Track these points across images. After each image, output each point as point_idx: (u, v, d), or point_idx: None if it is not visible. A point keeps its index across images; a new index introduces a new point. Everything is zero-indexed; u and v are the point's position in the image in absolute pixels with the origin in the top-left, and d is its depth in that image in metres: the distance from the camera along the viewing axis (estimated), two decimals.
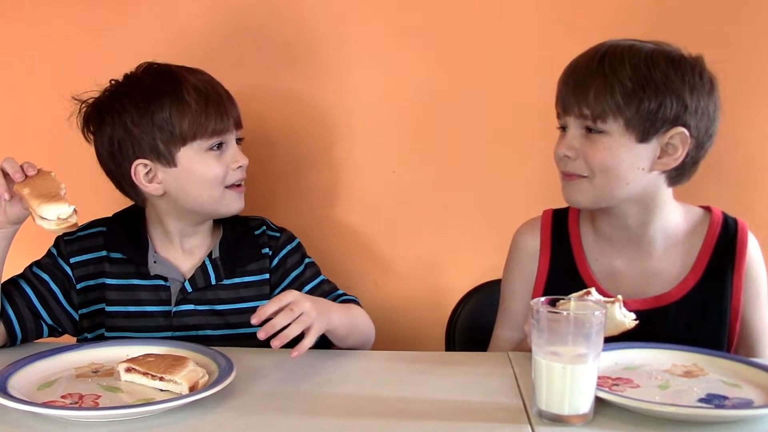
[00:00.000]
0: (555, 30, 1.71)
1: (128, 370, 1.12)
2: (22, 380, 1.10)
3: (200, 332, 1.38)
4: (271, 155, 1.79)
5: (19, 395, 1.03)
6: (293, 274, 1.43)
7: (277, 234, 1.46)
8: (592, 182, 1.25)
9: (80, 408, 1.03)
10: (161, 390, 1.09)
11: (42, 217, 1.13)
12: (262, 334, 1.11)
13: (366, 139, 1.80)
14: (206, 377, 1.11)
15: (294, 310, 1.13)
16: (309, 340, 1.15)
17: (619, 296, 1.16)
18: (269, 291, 1.42)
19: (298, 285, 1.42)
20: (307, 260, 1.46)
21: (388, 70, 1.77)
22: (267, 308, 1.13)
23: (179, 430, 0.99)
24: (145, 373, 1.11)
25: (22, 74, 1.84)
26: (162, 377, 1.09)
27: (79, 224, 1.39)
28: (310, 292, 1.40)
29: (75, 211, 1.14)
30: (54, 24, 1.81)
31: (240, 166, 1.36)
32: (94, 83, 1.36)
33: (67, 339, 1.40)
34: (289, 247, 1.45)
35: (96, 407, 1.04)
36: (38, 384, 1.11)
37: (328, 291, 1.42)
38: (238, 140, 1.39)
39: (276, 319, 1.12)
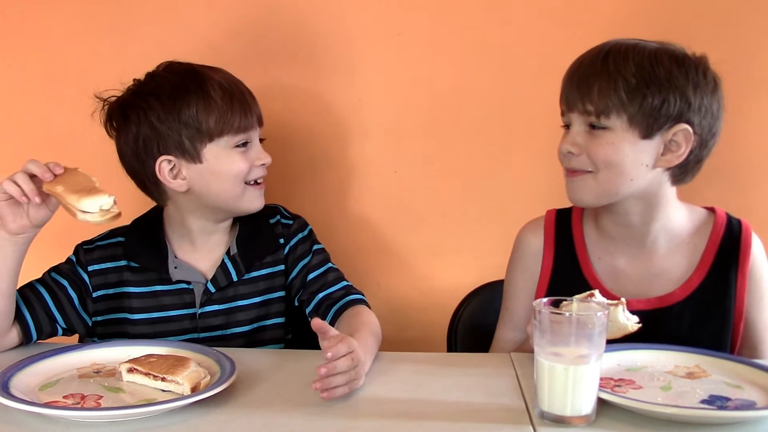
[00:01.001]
0: (560, 31, 1.71)
1: (130, 370, 1.13)
2: (25, 380, 1.10)
3: (226, 331, 1.39)
4: (275, 156, 1.79)
5: (21, 395, 1.04)
6: (302, 263, 1.44)
7: (290, 222, 1.47)
8: (596, 178, 1.25)
9: (82, 408, 1.03)
10: (163, 390, 1.09)
11: (84, 211, 1.12)
12: (324, 394, 1.06)
13: (370, 139, 1.80)
14: (208, 378, 1.11)
15: (353, 360, 1.08)
16: (343, 391, 1.08)
17: (623, 299, 1.16)
18: (284, 281, 1.43)
19: (305, 272, 1.43)
20: (315, 247, 1.46)
21: (393, 69, 1.77)
22: (340, 349, 1.06)
23: (180, 431, 0.99)
24: (147, 374, 1.11)
25: (21, 78, 1.84)
26: (164, 378, 1.09)
27: (99, 232, 1.40)
28: (315, 280, 1.42)
29: (115, 201, 1.14)
30: (54, 28, 1.81)
31: (263, 164, 1.38)
32: (101, 86, 1.36)
33: (73, 340, 1.41)
34: (300, 236, 1.46)
35: (98, 408, 1.04)
36: (40, 384, 1.11)
37: (332, 280, 1.42)
38: (261, 139, 1.40)
39: (340, 362, 1.06)
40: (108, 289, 1.38)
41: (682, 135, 1.22)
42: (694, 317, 1.31)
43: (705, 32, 1.63)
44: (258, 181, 1.38)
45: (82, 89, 1.37)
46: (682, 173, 1.28)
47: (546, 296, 1.33)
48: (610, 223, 1.34)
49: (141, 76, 1.37)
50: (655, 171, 1.25)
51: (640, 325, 1.16)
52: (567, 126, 1.29)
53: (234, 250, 1.41)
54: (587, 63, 1.25)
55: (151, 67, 1.37)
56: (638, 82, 1.20)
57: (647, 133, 1.22)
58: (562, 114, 1.30)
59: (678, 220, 1.33)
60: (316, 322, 1.10)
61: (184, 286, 1.38)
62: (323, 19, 1.76)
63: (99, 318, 1.38)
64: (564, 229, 1.40)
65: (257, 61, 1.77)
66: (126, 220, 1.43)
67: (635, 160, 1.23)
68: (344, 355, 1.07)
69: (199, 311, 1.38)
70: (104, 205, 1.13)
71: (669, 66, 1.21)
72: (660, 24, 1.65)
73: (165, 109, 1.30)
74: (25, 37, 1.82)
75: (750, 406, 1.05)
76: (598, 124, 1.23)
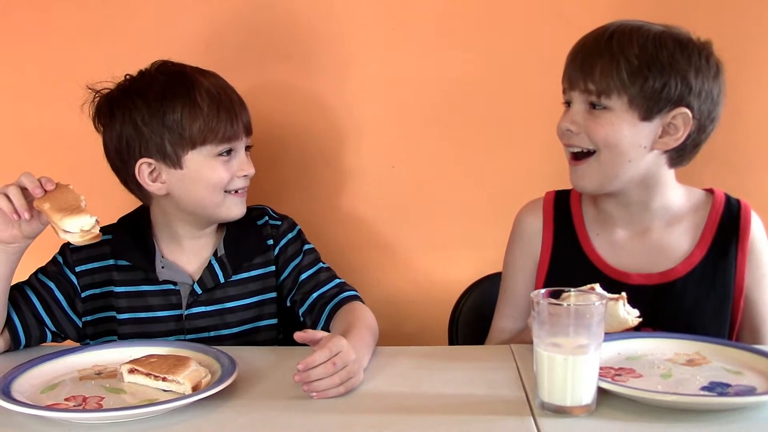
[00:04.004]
0: (556, 22, 1.70)
1: (131, 371, 1.13)
2: (26, 384, 1.10)
3: (212, 333, 1.38)
4: (273, 154, 1.79)
5: (22, 399, 1.04)
6: (293, 263, 1.43)
7: (279, 222, 1.46)
8: (598, 159, 1.26)
9: (84, 410, 1.04)
10: (164, 390, 1.09)
11: (65, 231, 1.13)
12: (305, 388, 1.07)
13: (367, 135, 1.80)
14: (209, 377, 1.11)
15: (337, 364, 1.07)
16: (337, 391, 1.08)
17: (623, 293, 1.16)
18: (275, 282, 1.43)
19: (296, 273, 1.42)
20: (306, 247, 1.45)
21: (388, 65, 1.77)
22: (316, 358, 1.06)
23: (182, 430, 0.99)
24: (148, 374, 1.11)
25: (21, 74, 1.84)
26: (165, 378, 1.09)
27: None
28: (307, 280, 1.41)
29: (97, 221, 1.15)
30: (51, 26, 1.81)
31: (245, 175, 1.36)
32: (90, 85, 1.36)
33: (71, 343, 1.40)
34: (289, 236, 1.45)
35: (99, 409, 1.04)
36: (42, 387, 1.11)
37: (324, 279, 1.42)
38: (248, 147, 1.39)
39: (316, 371, 1.06)
40: (95, 289, 1.38)
41: (681, 118, 1.23)
42: (696, 292, 1.32)
43: (706, 19, 1.63)
44: (239, 191, 1.36)
45: (76, 88, 1.36)
46: (679, 156, 1.28)
47: (547, 275, 1.36)
48: (609, 202, 1.35)
49: (135, 73, 1.36)
50: (653, 153, 1.26)
51: (640, 319, 1.16)
52: (568, 104, 1.30)
53: (221, 252, 1.40)
54: (591, 42, 1.26)
55: (145, 65, 1.36)
56: (640, 64, 1.21)
57: (647, 115, 1.23)
58: (564, 92, 1.31)
59: (676, 201, 1.34)
60: (298, 336, 1.12)
61: (170, 286, 1.38)
62: (317, 16, 1.76)
63: (89, 318, 1.38)
64: (562, 208, 1.41)
65: (251, 59, 1.77)
66: (114, 218, 1.43)
67: (633, 141, 1.24)
68: (324, 362, 1.06)
69: (186, 312, 1.38)
70: (85, 226, 1.14)
71: (672, 49, 1.22)
72: (660, 11, 1.64)
73: (150, 111, 1.29)
74: (20, 35, 1.82)
75: (750, 392, 1.06)
76: (599, 103, 1.24)
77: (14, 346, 1.30)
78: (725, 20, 1.67)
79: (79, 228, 1.13)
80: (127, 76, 1.35)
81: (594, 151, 1.26)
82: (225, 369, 1.12)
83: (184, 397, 1.04)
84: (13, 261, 1.24)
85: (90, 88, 1.36)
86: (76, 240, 1.14)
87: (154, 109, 1.29)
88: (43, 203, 1.16)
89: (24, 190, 1.18)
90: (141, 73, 1.35)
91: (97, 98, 1.36)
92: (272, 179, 1.79)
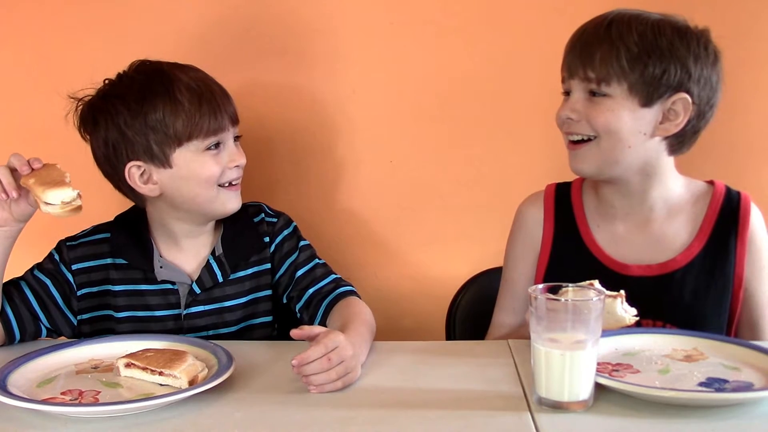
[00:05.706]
0: (553, 16, 1.70)
1: (128, 365, 1.12)
2: (22, 377, 1.10)
3: (211, 332, 1.38)
4: (269, 149, 1.79)
5: (19, 392, 1.04)
6: (289, 260, 1.43)
7: (274, 219, 1.45)
8: (598, 145, 1.26)
9: (80, 404, 1.04)
10: (161, 385, 1.09)
11: (46, 203, 1.14)
12: (303, 380, 1.08)
13: (364, 130, 1.80)
14: (206, 371, 1.11)
15: (332, 360, 1.07)
16: (333, 386, 1.08)
17: (622, 291, 1.16)
18: (271, 279, 1.42)
19: (292, 270, 1.42)
20: (301, 243, 1.45)
21: (384, 60, 1.77)
22: (310, 354, 1.07)
23: (179, 425, 0.99)
24: (144, 368, 1.11)
25: (17, 73, 1.83)
26: (161, 372, 1.09)
27: (84, 228, 1.39)
28: (303, 276, 1.41)
29: (79, 195, 1.15)
30: (47, 22, 1.80)
31: (237, 165, 1.35)
32: (90, 81, 1.35)
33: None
34: (285, 233, 1.45)
35: (96, 403, 1.04)
36: (38, 381, 1.11)
37: (320, 275, 1.41)
38: (237, 137, 1.38)
39: (311, 366, 1.07)
40: (92, 287, 1.37)
41: (681, 104, 1.24)
42: (696, 283, 1.32)
43: (704, 9, 1.62)
44: (233, 183, 1.35)
45: (72, 84, 1.35)
46: (679, 143, 1.29)
47: (547, 268, 1.37)
48: (610, 193, 1.36)
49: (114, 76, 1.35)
50: (653, 140, 1.27)
51: (637, 318, 1.16)
52: (567, 93, 1.30)
53: (219, 251, 1.40)
54: (590, 31, 1.27)
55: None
56: (640, 51, 1.22)
57: (647, 102, 1.24)
58: (563, 81, 1.31)
59: (676, 190, 1.35)
60: (295, 333, 1.12)
61: (169, 286, 1.37)
62: (313, 11, 1.75)
63: (85, 316, 1.37)
64: (563, 199, 1.41)
65: (246, 54, 1.76)
66: (109, 216, 1.43)
67: (633, 127, 1.25)
68: (318, 358, 1.07)
69: (184, 312, 1.37)
70: (66, 198, 1.14)
71: (671, 36, 1.23)
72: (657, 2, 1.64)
73: (131, 113, 1.28)
74: (16, 31, 1.81)
75: (748, 387, 1.06)
76: (599, 91, 1.25)
77: (9, 340, 1.30)
78: (723, 11, 1.67)
79: (60, 200, 1.14)
80: (106, 81, 1.34)
81: (594, 137, 1.27)
82: (222, 363, 1.11)
83: (181, 391, 1.04)
84: (6, 246, 1.24)
85: (72, 97, 1.35)
86: (56, 212, 1.14)
87: (135, 110, 1.28)
88: (29, 179, 1.17)
89: (14, 172, 1.18)
90: (119, 75, 1.34)
91: (80, 106, 1.35)
92: (267, 175, 1.78)
